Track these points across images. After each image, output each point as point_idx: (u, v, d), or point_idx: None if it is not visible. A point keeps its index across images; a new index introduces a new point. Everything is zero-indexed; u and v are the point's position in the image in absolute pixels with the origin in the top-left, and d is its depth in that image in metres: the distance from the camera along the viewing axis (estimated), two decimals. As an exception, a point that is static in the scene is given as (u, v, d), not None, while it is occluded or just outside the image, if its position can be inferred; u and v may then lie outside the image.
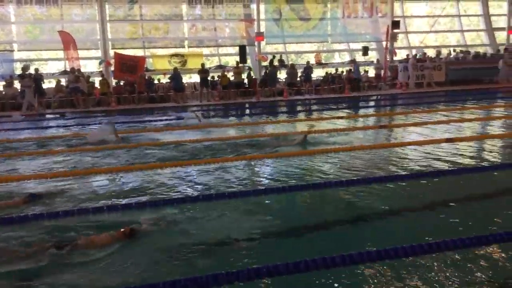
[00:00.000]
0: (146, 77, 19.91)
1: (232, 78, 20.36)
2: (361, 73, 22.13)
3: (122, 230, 4.28)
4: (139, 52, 22.18)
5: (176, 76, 19.25)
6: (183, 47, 23.11)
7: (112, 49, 21.76)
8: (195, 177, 6.64)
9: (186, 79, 21.56)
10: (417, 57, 22.23)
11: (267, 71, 20.89)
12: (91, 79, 19.82)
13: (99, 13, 21.75)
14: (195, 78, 20.82)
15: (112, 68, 20.62)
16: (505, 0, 24.89)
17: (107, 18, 22.13)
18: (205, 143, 9.14)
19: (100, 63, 21.87)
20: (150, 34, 23.02)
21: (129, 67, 19.50)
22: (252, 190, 5.75)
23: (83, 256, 3.91)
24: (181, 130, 11.21)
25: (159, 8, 22.98)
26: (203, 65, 19.86)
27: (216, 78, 20.49)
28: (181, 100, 19.24)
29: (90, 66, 22.73)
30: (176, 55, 22.06)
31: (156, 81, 20.62)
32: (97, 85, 19.67)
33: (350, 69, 22.19)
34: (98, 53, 22.16)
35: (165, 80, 20.72)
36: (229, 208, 5.06)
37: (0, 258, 3.92)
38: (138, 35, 22.82)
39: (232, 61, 22.35)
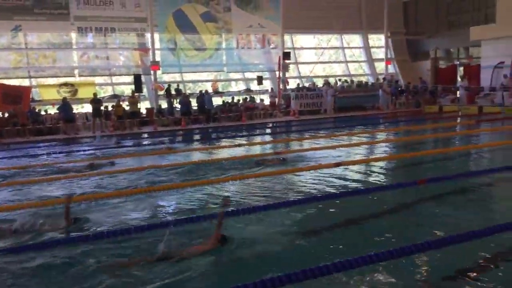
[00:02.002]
0: (31, 108, 18.65)
1: (127, 108, 19.86)
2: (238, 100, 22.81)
3: (215, 237, 4.59)
4: (24, 82, 20.75)
5: (65, 106, 18.26)
6: (73, 76, 22.04)
7: (-7, 78, 20.13)
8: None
9: (78, 109, 20.56)
10: (307, 86, 23.56)
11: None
12: (-31, 112, 18.15)
13: (-22, 40, 20.11)
14: (88, 108, 19.92)
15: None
16: (382, 33, 27.49)
17: (-12, 46, 20.52)
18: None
19: (-21, 95, 20.04)
20: (37, 62, 21.67)
21: (13, 97, 18.11)
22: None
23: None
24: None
25: (47, 36, 21.82)
26: (95, 94, 19.10)
27: (110, 108, 19.79)
28: (72, 131, 18.26)
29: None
30: (65, 84, 20.97)
31: (43, 112, 19.37)
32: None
33: (246, 98, 22.78)
34: (-23, 83, 20.32)
35: (53, 110, 19.54)
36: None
37: (109, 269, 4.26)
38: (24, 64, 21.36)
39: (128, 90, 21.78)
